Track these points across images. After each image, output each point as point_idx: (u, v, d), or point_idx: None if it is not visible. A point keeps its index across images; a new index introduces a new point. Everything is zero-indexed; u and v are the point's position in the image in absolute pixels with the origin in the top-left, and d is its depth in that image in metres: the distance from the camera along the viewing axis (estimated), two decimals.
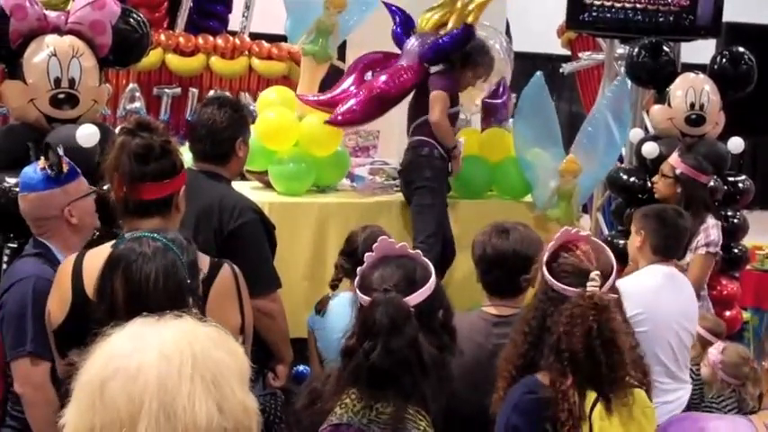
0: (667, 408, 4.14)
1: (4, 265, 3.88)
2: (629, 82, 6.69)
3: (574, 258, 2.76)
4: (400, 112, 5.73)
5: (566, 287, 2.70)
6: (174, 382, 1.38)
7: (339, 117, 5.44)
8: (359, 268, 2.67)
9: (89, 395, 1.41)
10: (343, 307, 3.56)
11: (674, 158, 5.40)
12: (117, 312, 2.35)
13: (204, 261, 3.03)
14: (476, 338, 3.22)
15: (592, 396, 2.62)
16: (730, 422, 2.07)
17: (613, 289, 2.75)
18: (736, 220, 6.25)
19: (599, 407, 2.60)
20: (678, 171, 5.31)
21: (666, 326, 4.28)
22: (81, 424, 1.41)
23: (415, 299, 2.53)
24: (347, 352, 2.53)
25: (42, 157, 3.51)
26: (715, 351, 4.74)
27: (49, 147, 3.54)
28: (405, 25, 5.77)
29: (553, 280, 2.74)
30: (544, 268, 2.77)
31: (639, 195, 6.31)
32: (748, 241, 6.68)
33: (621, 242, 6.04)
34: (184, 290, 2.39)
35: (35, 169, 3.51)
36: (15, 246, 3.96)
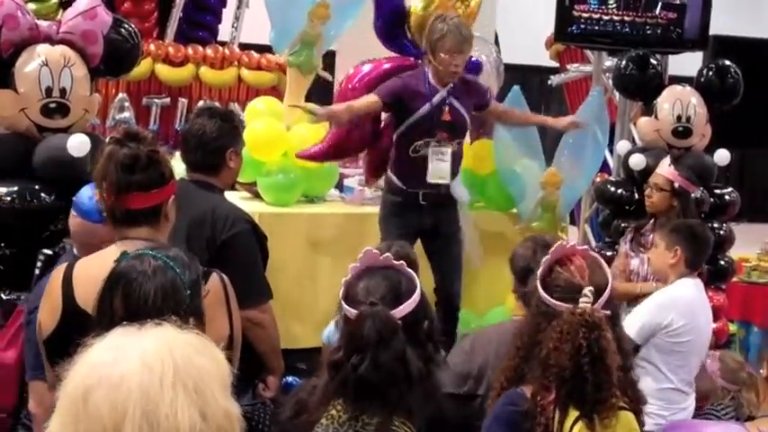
0: (683, 414, 4.28)
1: (37, 271, 3.88)
2: (614, 93, 6.72)
3: (567, 273, 2.74)
4: None
5: (557, 303, 2.70)
6: (157, 391, 1.39)
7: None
8: (344, 279, 2.66)
9: (72, 404, 1.42)
10: None
11: (668, 171, 5.38)
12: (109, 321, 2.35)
13: None
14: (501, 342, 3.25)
15: (574, 414, 2.60)
16: (724, 428, 2.06)
17: (609, 305, 2.71)
18: (722, 232, 6.28)
19: (579, 425, 2.58)
20: (676, 184, 5.33)
21: (705, 335, 4.49)
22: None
23: (401, 311, 2.52)
24: (334, 365, 2.54)
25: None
26: (710, 360, 4.79)
27: None
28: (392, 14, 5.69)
29: (545, 295, 2.74)
30: (538, 283, 2.78)
31: (627, 207, 6.34)
32: (734, 253, 6.72)
33: (609, 253, 6.07)
34: (183, 310, 2.38)
35: (91, 196, 3.43)
36: (51, 253, 3.96)
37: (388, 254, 2.69)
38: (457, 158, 5.27)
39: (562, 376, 2.60)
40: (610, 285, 2.76)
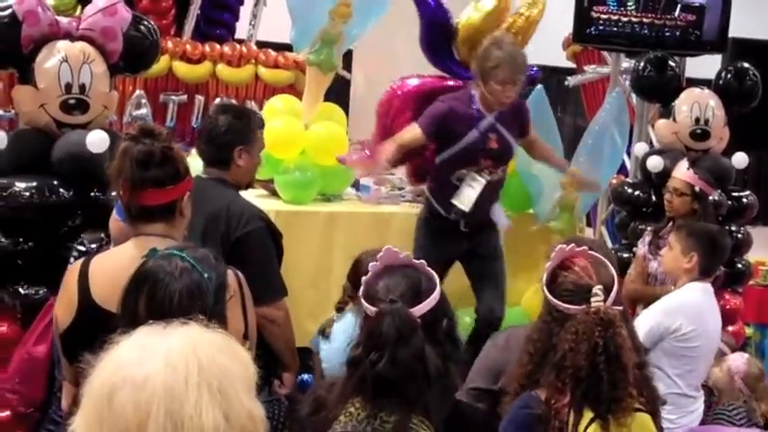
0: (691, 417, 4.29)
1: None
2: (632, 95, 6.69)
3: (573, 276, 2.75)
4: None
5: (569, 306, 2.70)
6: (181, 391, 1.38)
7: None
8: (363, 278, 2.66)
9: (97, 404, 1.42)
10: (346, 331, 3.56)
11: (688, 175, 5.33)
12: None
13: None
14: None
15: (588, 416, 2.59)
16: None
17: (617, 302, 2.72)
18: (739, 236, 6.25)
19: (594, 426, 2.58)
20: (697, 188, 5.30)
21: (714, 340, 4.47)
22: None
23: (420, 309, 2.52)
24: (353, 362, 2.54)
25: None
26: (740, 361, 4.79)
27: None
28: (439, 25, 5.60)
29: (555, 300, 2.74)
30: (545, 289, 2.77)
31: (644, 209, 6.32)
32: (752, 257, 6.69)
33: (626, 255, 6.05)
34: (207, 312, 2.38)
35: None
36: (84, 249, 3.97)
37: (407, 253, 2.69)
38: (498, 185, 5.10)
39: (578, 377, 2.59)
40: (616, 282, 2.76)
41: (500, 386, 3.43)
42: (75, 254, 3.95)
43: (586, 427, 2.58)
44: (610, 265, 2.83)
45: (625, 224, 6.53)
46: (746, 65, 6.67)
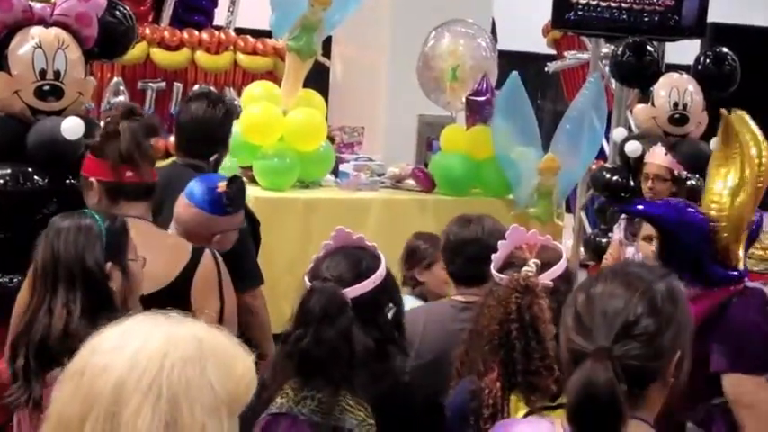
0: None
1: None
2: (611, 81, 6.70)
3: (517, 252, 2.71)
4: (384, 107, 5.73)
5: (502, 275, 2.65)
6: (128, 391, 1.33)
7: None
8: (314, 256, 2.70)
9: (71, 378, 1.39)
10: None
11: (667, 161, 5.34)
12: (39, 273, 2.55)
13: (186, 248, 3.07)
14: (443, 323, 3.26)
15: (514, 393, 2.54)
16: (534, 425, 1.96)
17: (563, 284, 2.65)
18: None
19: (514, 398, 2.53)
20: (676, 172, 5.31)
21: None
22: (55, 409, 1.39)
23: (356, 290, 2.54)
24: (283, 338, 2.57)
25: (226, 183, 3.44)
26: None
27: (237, 179, 3.52)
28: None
29: (494, 272, 2.72)
30: (492, 266, 2.74)
31: (622, 194, 6.33)
32: None
33: (604, 240, 6.06)
34: (98, 250, 2.50)
35: (213, 188, 3.42)
36: None
37: (361, 235, 2.71)
38: None
39: (494, 344, 2.55)
40: (562, 263, 2.71)
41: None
42: None
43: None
44: (560, 248, 2.79)
45: (604, 209, 6.55)
46: (725, 50, 6.69)
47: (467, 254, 3.33)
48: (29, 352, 2.50)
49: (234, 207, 3.40)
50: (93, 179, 3.15)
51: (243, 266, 3.81)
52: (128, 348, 1.37)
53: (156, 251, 2.92)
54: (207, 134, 4.06)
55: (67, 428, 1.35)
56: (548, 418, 1.98)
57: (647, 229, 4.53)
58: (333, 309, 2.48)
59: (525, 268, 2.57)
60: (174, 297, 2.88)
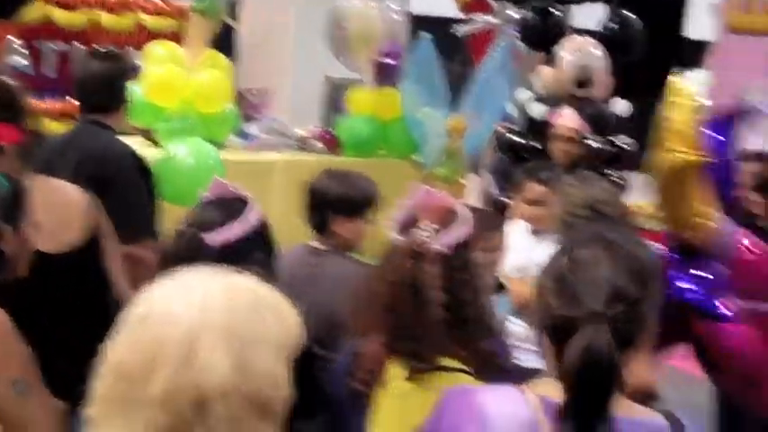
0: None
1: None
2: (517, 43, 6.75)
3: (414, 211, 2.59)
4: (290, 69, 5.69)
5: (396, 237, 2.56)
6: (203, 333, 1.34)
7: None
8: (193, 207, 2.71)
9: (128, 329, 1.38)
10: None
11: (574, 121, 5.39)
12: None
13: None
14: (293, 265, 3.31)
15: (397, 361, 2.50)
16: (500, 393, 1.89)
17: (462, 253, 2.54)
18: (618, 181, 6.37)
19: (395, 367, 2.49)
20: (584, 133, 5.36)
21: None
22: (113, 356, 1.38)
23: (221, 234, 2.54)
24: None
25: None
26: None
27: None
28: None
29: (392, 233, 2.60)
30: (392, 224, 2.63)
31: (525, 155, 6.39)
32: (633, 202, 6.82)
33: (508, 201, 6.11)
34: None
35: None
36: None
37: (237, 185, 2.71)
38: None
39: (380, 307, 2.51)
40: (465, 229, 2.58)
41: None
42: None
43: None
44: (463, 213, 2.61)
45: (508, 170, 6.60)
46: (630, 14, 6.78)
47: (310, 203, 3.53)
48: None
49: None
50: None
51: (133, 217, 3.79)
52: (192, 296, 1.38)
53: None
54: (106, 89, 4.02)
55: (130, 379, 1.34)
56: (515, 387, 1.91)
57: (533, 191, 4.50)
58: (191, 252, 2.47)
59: (420, 232, 2.51)
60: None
